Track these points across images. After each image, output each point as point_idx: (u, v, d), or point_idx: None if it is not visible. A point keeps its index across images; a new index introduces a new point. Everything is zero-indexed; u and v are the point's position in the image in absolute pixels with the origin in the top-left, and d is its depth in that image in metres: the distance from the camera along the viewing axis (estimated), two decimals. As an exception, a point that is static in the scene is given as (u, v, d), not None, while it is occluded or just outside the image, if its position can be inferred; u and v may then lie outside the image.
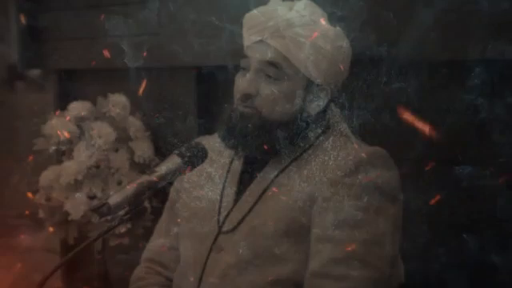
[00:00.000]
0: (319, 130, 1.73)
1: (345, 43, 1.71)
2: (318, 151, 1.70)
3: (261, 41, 1.68)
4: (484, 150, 2.08)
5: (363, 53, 1.86)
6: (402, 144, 2.00)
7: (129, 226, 2.61)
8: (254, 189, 1.71)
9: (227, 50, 2.06)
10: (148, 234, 2.04)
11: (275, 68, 1.66)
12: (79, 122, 2.79)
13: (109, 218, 1.45)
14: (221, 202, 1.75)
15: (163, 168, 1.53)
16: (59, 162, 2.79)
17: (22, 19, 3.19)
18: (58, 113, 2.85)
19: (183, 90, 2.81)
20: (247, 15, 1.73)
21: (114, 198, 1.44)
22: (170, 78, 2.83)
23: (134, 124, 2.81)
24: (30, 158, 2.83)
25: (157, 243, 1.90)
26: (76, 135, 2.77)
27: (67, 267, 3.01)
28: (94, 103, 2.86)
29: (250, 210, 1.69)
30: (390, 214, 1.62)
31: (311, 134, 1.72)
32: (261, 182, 1.71)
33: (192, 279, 1.72)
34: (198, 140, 1.73)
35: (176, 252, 1.83)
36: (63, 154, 2.80)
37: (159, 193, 1.55)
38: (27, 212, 2.84)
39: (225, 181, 1.77)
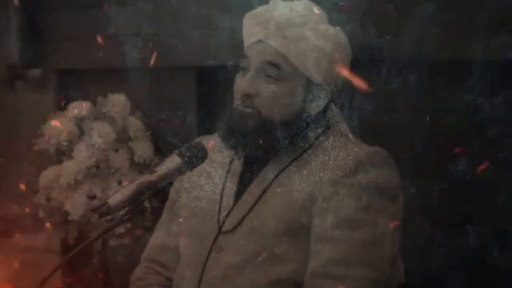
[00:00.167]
0: (319, 130, 1.73)
1: (345, 43, 1.71)
2: (318, 151, 1.69)
3: (261, 41, 1.68)
4: (484, 149, 2.08)
5: (363, 45, 1.86)
6: (402, 144, 2.00)
7: (129, 225, 2.61)
8: (254, 189, 1.71)
9: (227, 50, 2.06)
10: (148, 234, 2.04)
11: (275, 68, 1.66)
12: (79, 122, 2.79)
13: (109, 217, 1.46)
14: (221, 201, 1.75)
15: (163, 168, 1.52)
16: (59, 161, 2.79)
17: (22, 19, 3.19)
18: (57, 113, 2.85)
19: (183, 89, 2.81)
20: (247, 15, 1.73)
21: (114, 198, 1.44)
22: (169, 78, 2.83)
23: (134, 124, 2.81)
24: (30, 157, 2.83)
25: (157, 243, 1.90)
26: (76, 135, 2.77)
27: (67, 267, 3.01)
28: (94, 103, 2.86)
29: (250, 209, 1.69)
30: (389, 214, 1.62)
31: (311, 134, 1.72)
32: (261, 181, 1.71)
33: (192, 279, 1.72)
34: (198, 140, 1.73)
35: (176, 252, 1.83)
36: (63, 153, 2.80)
37: (159, 193, 1.55)
38: (27, 212, 2.84)
39: (225, 181, 1.77)
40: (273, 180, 1.69)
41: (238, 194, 1.73)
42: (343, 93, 1.76)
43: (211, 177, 1.79)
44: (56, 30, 3.14)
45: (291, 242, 1.63)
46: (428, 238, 2.09)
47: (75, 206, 2.66)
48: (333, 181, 1.62)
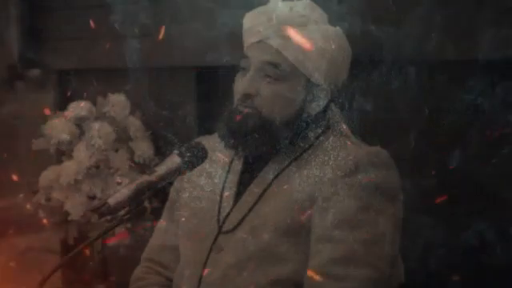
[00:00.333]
0: (319, 130, 1.73)
1: (345, 43, 1.71)
2: (318, 151, 1.69)
3: (261, 41, 1.68)
4: (484, 148, 2.08)
5: (363, 45, 1.86)
6: (402, 144, 2.00)
7: (129, 225, 2.61)
8: (254, 189, 1.71)
9: (227, 50, 2.06)
10: (148, 234, 2.04)
11: (275, 68, 1.66)
12: (79, 122, 2.79)
13: (109, 218, 1.45)
14: (221, 201, 1.75)
15: (163, 168, 1.52)
16: (59, 161, 2.79)
17: (22, 19, 3.18)
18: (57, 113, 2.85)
19: (183, 90, 2.81)
20: (247, 15, 1.73)
21: (114, 198, 1.44)
22: (169, 78, 2.83)
23: (134, 124, 2.81)
24: (30, 157, 2.83)
25: (157, 243, 1.90)
26: (76, 135, 2.77)
27: (67, 267, 3.01)
28: (94, 103, 2.86)
29: (250, 209, 1.69)
30: (389, 214, 1.62)
31: (311, 134, 1.72)
32: (261, 181, 1.71)
33: (192, 279, 1.72)
34: (198, 140, 1.73)
35: (176, 252, 1.83)
36: (63, 153, 2.80)
37: (159, 193, 1.55)
38: (27, 212, 2.84)
39: (225, 181, 1.77)
40: (273, 180, 1.69)
41: (238, 194, 1.73)
42: (343, 93, 1.76)
43: (211, 177, 1.79)
44: (56, 30, 3.14)
45: (291, 242, 1.63)
46: (428, 238, 2.09)
47: (75, 206, 2.67)
48: (333, 181, 1.62)
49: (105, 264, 2.87)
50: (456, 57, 2.11)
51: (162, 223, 1.92)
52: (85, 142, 2.72)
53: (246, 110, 1.67)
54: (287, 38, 1.65)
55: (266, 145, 1.68)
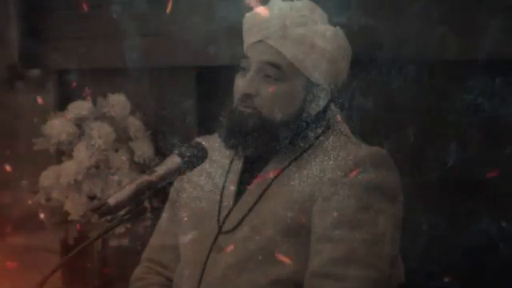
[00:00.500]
0: (319, 130, 1.73)
1: (345, 43, 1.71)
2: (317, 151, 1.69)
3: (261, 41, 1.68)
4: (484, 148, 2.08)
5: (363, 45, 1.86)
6: (402, 144, 2.00)
7: (129, 225, 2.61)
8: (254, 189, 1.71)
9: (227, 50, 2.06)
10: (148, 233, 2.04)
11: (275, 68, 1.66)
12: (79, 122, 2.79)
13: (109, 218, 1.45)
14: (221, 201, 1.75)
15: (163, 168, 1.52)
16: (59, 161, 2.79)
17: (22, 19, 3.19)
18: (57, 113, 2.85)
19: (183, 89, 2.81)
20: (247, 15, 1.73)
21: (114, 198, 1.44)
22: (169, 78, 2.83)
23: (134, 124, 2.81)
24: (30, 157, 2.83)
25: (157, 243, 1.90)
26: (76, 135, 2.77)
27: (67, 267, 3.01)
28: (94, 103, 2.86)
29: (250, 209, 1.69)
30: (389, 214, 1.62)
31: (311, 134, 1.72)
32: (261, 181, 1.71)
33: (192, 279, 1.72)
34: (197, 140, 1.73)
35: (176, 252, 1.83)
36: (63, 153, 2.80)
37: (159, 193, 1.55)
38: (27, 212, 2.84)
39: (225, 181, 1.77)
40: (273, 180, 1.70)
41: (238, 194, 1.73)
42: (343, 93, 1.76)
43: (211, 177, 1.79)
44: (56, 30, 3.14)
45: (291, 242, 1.63)
46: (428, 238, 2.09)
47: (75, 206, 2.66)
48: (333, 181, 1.62)
49: (105, 264, 2.87)
50: (456, 57, 2.11)
51: (161, 223, 1.92)
52: (85, 142, 2.72)
53: (246, 110, 1.67)
54: (287, 38, 1.65)
55: (266, 145, 1.68)
